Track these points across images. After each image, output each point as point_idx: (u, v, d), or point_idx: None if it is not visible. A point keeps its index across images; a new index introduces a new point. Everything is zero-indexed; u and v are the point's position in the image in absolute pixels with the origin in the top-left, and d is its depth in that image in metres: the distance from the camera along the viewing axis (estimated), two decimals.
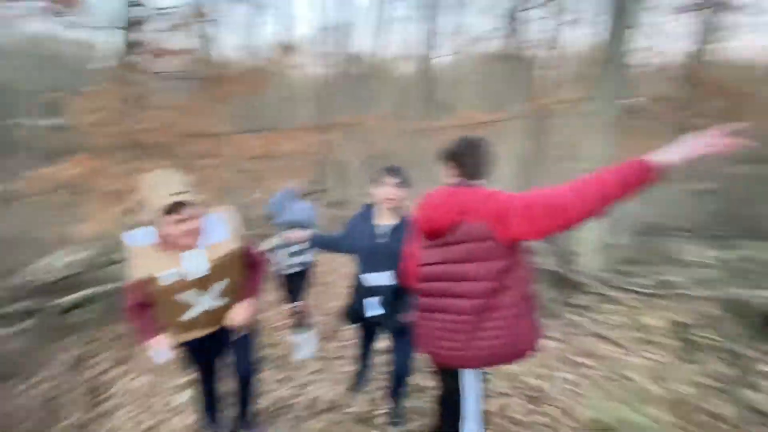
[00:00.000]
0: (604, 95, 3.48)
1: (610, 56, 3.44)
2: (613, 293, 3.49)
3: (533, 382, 2.46)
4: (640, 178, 1.09)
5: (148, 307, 1.64)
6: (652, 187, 1.13)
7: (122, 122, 3.48)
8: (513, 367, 2.65)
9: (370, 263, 1.97)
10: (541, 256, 4.11)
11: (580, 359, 2.67)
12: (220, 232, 1.65)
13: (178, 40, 4.75)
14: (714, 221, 6.56)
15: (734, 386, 2.09)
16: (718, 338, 2.61)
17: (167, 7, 4.39)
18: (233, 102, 5.40)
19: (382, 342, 2.35)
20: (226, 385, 2.06)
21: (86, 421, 2.56)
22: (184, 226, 1.52)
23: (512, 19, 9.64)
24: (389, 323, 2.00)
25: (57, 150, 4.16)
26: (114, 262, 4.88)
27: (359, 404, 2.53)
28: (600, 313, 3.24)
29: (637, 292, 3.47)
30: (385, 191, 1.90)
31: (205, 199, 1.69)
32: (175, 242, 1.56)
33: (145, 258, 1.56)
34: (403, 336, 1.98)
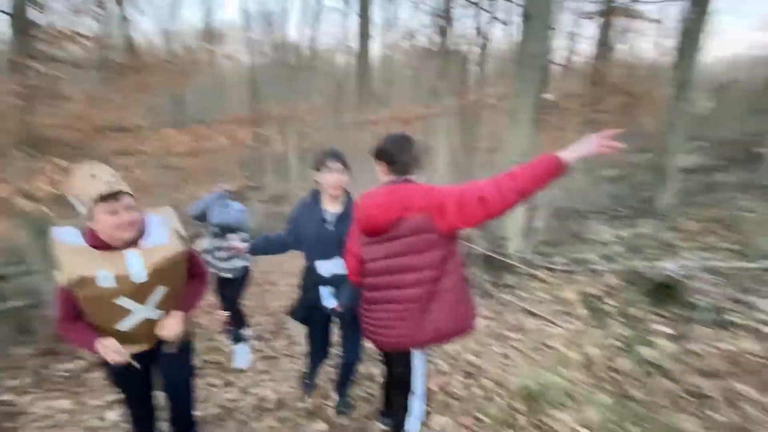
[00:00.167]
0: (524, 92, 3.80)
1: (529, 56, 3.76)
2: (536, 272, 3.87)
3: (470, 358, 2.67)
4: (550, 173, 1.27)
5: (82, 315, 1.46)
6: (560, 178, 1.32)
7: (20, 117, 3.05)
8: (452, 347, 2.85)
9: (321, 251, 1.93)
10: (475, 242, 4.40)
11: (510, 334, 2.95)
12: (159, 235, 1.52)
13: (85, 24, 4.27)
14: (616, 203, 7.48)
15: (633, 345, 2.46)
16: (620, 305, 3.04)
17: None
18: (155, 93, 4.96)
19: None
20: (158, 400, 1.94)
21: None
22: (121, 217, 1.39)
23: (443, 15, 9.98)
24: (344, 311, 1.96)
25: None
26: (20, 275, 4.31)
27: (307, 399, 2.56)
28: (526, 291, 3.58)
29: (555, 270, 3.88)
30: (333, 177, 1.86)
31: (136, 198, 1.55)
32: (111, 238, 1.42)
33: (79, 257, 1.39)
34: (353, 324, 2.01)
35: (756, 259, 3.26)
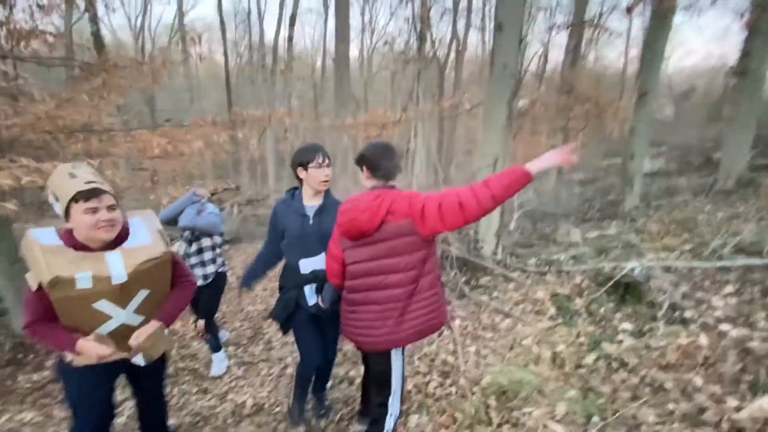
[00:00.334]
0: (496, 100, 3.94)
1: (500, 65, 3.90)
2: (509, 274, 3.99)
3: (447, 358, 2.74)
4: (519, 181, 1.41)
5: (55, 319, 1.38)
6: (527, 186, 1.46)
7: None
8: (429, 348, 2.92)
9: (302, 247, 1.91)
10: (453, 245, 4.50)
11: (484, 333, 3.04)
12: (141, 236, 1.48)
13: (53, 21, 4.12)
14: (586, 206, 7.79)
15: (598, 342, 2.59)
16: (587, 305, 3.18)
17: None
18: (125, 94, 4.83)
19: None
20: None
21: None
22: (100, 216, 1.34)
23: (420, 21, 10.13)
24: (328, 309, 1.93)
25: None
26: None
27: (284, 403, 2.56)
28: (499, 292, 3.70)
29: (528, 271, 4.02)
30: (323, 172, 1.87)
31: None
32: (89, 238, 1.37)
33: (56, 257, 1.32)
34: (331, 324, 2.02)
35: (709, 259, 3.48)
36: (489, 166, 4.15)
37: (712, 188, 6.80)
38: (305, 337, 2.06)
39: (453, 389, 2.38)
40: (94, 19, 10.01)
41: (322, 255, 1.87)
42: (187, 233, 2.86)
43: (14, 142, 3.54)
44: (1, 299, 3.98)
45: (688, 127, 16.59)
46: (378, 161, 1.62)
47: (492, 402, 2.13)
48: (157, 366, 1.70)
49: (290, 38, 15.28)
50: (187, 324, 3.87)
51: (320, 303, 1.93)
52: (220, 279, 2.99)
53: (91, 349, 1.38)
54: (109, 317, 1.41)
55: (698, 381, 2.00)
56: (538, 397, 2.12)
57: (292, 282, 1.98)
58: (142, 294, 1.46)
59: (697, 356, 2.19)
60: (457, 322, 3.25)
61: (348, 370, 2.84)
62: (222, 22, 16.67)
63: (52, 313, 1.37)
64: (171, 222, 2.85)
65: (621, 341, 2.56)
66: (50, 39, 4.01)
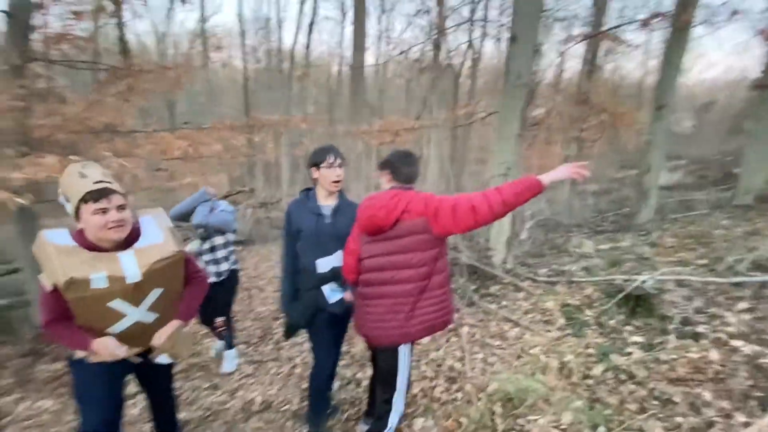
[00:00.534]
0: (510, 110, 3.97)
1: (514, 75, 3.93)
2: (519, 283, 3.99)
3: (454, 364, 2.76)
4: (531, 191, 1.49)
5: (70, 318, 1.40)
6: (538, 195, 1.52)
7: (17, 117, 3.07)
8: (437, 353, 2.94)
9: (319, 247, 1.93)
10: (463, 253, 4.52)
11: (492, 341, 3.05)
12: (153, 235, 1.48)
13: (82, 26, 4.32)
14: (600, 218, 7.71)
15: (607, 353, 2.58)
16: (597, 316, 3.16)
17: None
18: (151, 97, 5.01)
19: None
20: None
21: None
22: (110, 217, 1.34)
23: (435, 30, 10.24)
24: (347, 307, 1.96)
25: None
26: (2, 274, 4.27)
27: (293, 401, 2.61)
28: (509, 300, 3.69)
29: (538, 281, 4.01)
30: (334, 172, 1.90)
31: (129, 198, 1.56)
32: (99, 239, 1.37)
33: (69, 258, 1.32)
34: (344, 324, 2.07)
35: (724, 274, 3.43)
36: (501, 175, 4.16)
37: (730, 203, 6.66)
38: (321, 341, 2.05)
39: (459, 395, 2.39)
40: (120, 24, 10.40)
41: (339, 253, 1.92)
42: (200, 231, 2.90)
43: (44, 140, 3.71)
44: (24, 292, 4.14)
45: (708, 140, 16.29)
46: (400, 166, 1.74)
47: (497, 408, 2.15)
48: (163, 364, 1.69)
49: (308, 45, 15.58)
50: (198, 322, 3.97)
51: (347, 297, 1.96)
52: (233, 276, 3.04)
53: (105, 349, 1.41)
54: (123, 315, 1.44)
55: (707, 396, 1.98)
56: (544, 406, 2.13)
57: (309, 284, 1.97)
58: (156, 292, 1.47)
59: (707, 371, 2.16)
60: (466, 329, 3.26)
61: (355, 372, 2.88)
62: (242, 29, 17.10)
63: (68, 312, 1.39)
64: (182, 219, 2.90)
65: (630, 353, 2.54)
66: (82, 43, 4.21)
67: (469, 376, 2.57)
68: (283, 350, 3.50)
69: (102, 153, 4.02)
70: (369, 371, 2.65)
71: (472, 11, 12.44)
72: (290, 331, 2.06)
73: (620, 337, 2.83)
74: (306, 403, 2.38)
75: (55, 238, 1.36)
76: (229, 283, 3.03)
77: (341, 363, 2.98)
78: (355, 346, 3.24)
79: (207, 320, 3.13)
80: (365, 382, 2.63)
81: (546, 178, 1.50)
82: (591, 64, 8.87)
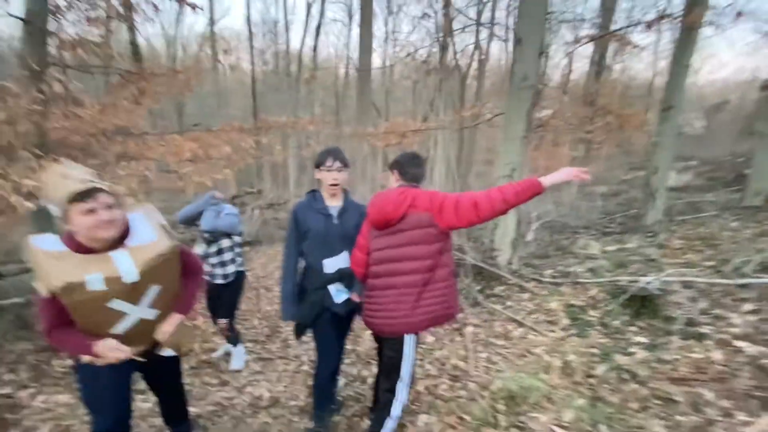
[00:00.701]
0: (515, 112, 4.00)
1: (520, 77, 3.96)
2: (524, 283, 4.01)
3: (458, 363, 2.80)
4: (531, 192, 1.58)
5: (71, 322, 1.38)
6: (537, 196, 1.60)
7: (35, 121, 3.18)
8: (441, 352, 2.98)
9: (326, 248, 1.96)
10: (468, 253, 4.55)
11: (496, 341, 3.08)
12: (145, 232, 1.44)
13: (96, 31, 4.44)
14: (607, 219, 7.67)
15: (610, 353, 2.60)
16: (601, 316, 3.18)
17: None
18: (161, 100, 5.12)
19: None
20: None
21: None
22: (99, 216, 1.30)
23: (443, 33, 10.28)
24: (352, 308, 2.01)
25: None
26: (19, 273, 4.40)
27: (299, 397, 2.67)
28: (513, 301, 3.72)
29: (543, 282, 4.03)
30: (330, 175, 1.93)
31: (122, 194, 1.55)
32: (90, 239, 1.33)
33: (62, 263, 1.29)
34: (349, 321, 2.12)
35: (731, 276, 3.42)
36: (506, 176, 4.19)
37: (740, 204, 6.59)
38: (326, 340, 2.09)
39: (462, 392, 2.43)
40: (131, 29, 10.61)
41: (345, 254, 1.97)
42: (207, 234, 2.93)
43: (60, 143, 3.83)
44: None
45: (720, 141, 16.07)
46: (407, 167, 1.85)
47: (500, 406, 2.18)
48: (170, 360, 1.69)
49: (315, 47, 15.72)
50: (209, 320, 4.05)
51: (354, 298, 2.01)
52: (239, 278, 3.08)
53: (109, 351, 1.38)
54: (123, 315, 1.42)
55: (709, 395, 1.99)
56: (546, 404, 2.15)
57: (315, 283, 2.00)
58: (154, 290, 1.45)
59: (709, 371, 2.17)
60: (470, 329, 3.30)
61: (360, 369, 2.93)
62: (250, 32, 17.32)
63: (68, 318, 1.36)
64: (189, 222, 2.95)
65: (633, 353, 2.55)
66: (96, 49, 4.33)
67: (473, 374, 2.61)
68: (290, 348, 3.56)
69: (114, 156, 4.14)
70: (374, 369, 2.70)
71: (479, 13, 12.48)
72: (300, 331, 2.11)
73: (624, 338, 2.84)
74: (311, 399, 2.43)
75: (43, 244, 1.32)
76: (236, 284, 3.07)
77: (347, 361, 3.04)
78: (360, 344, 3.29)
79: (215, 320, 3.20)
80: (370, 380, 2.68)
81: (547, 180, 1.58)
82: (599, 65, 8.84)
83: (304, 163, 15.09)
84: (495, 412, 2.15)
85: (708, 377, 2.14)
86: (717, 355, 2.29)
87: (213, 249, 2.96)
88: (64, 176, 1.31)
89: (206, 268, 2.98)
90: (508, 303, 3.71)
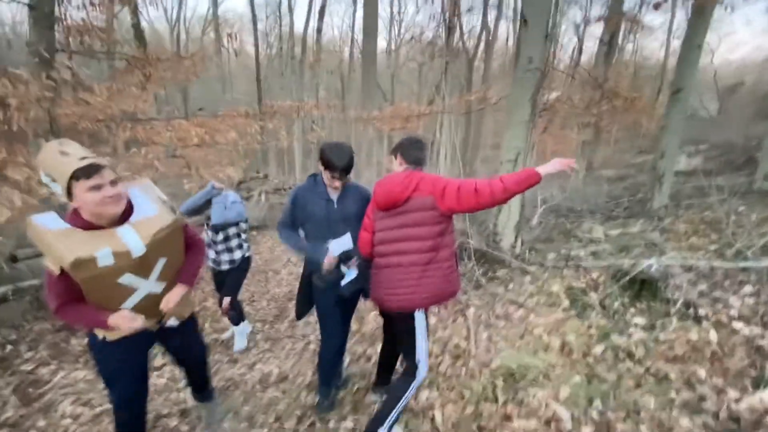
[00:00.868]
0: (521, 95, 3.97)
1: (526, 60, 3.92)
2: (527, 267, 4.06)
3: (459, 342, 2.88)
4: (529, 181, 1.66)
5: (80, 299, 1.40)
6: (536, 185, 1.68)
7: (46, 107, 3.24)
8: (444, 333, 3.06)
9: (329, 231, 2.00)
10: (472, 237, 4.60)
11: (497, 322, 3.15)
12: (147, 207, 1.46)
13: (101, 16, 4.46)
14: (613, 203, 7.64)
15: (608, 333, 2.66)
16: (602, 299, 3.23)
17: None
18: (167, 85, 5.16)
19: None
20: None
21: (21, 418, 2.51)
22: (105, 192, 1.31)
23: (448, 13, 10.07)
24: (358, 288, 2.07)
25: None
26: (34, 256, 4.54)
27: (307, 374, 2.78)
28: (515, 284, 3.78)
29: (545, 266, 4.07)
30: (332, 182, 1.96)
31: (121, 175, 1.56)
32: (97, 216, 1.34)
33: (70, 240, 1.29)
34: (352, 302, 2.19)
35: (732, 259, 3.44)
36: (511, 160, 4.20)
37: (749, 188, 6.53)
38: (331, 321, 2.15)
39: (463, 370, 2.52)
40: (134, 12, 10.53)
41: (347, 236, 2.03)
42: (216, 225, 2.97)
43: (70, 129, 3.90)
44: None
45: (734, 124, 15.70)
46: (409, 150, 1.92)
47: (499, 383, 2.27)
48: (187, 324, 1.77)
49: (319, 30, 15.49)
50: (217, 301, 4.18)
51: (352, 265, 2.06)
52: (245, 262, 3.16)
53: (123, 322, 1.41)
54: (134, 289, 1.45)
55: (702, 373, 2.06)
56: (544, 381, 2.24)
57: (318, 266, 2.02)
58: (161, 262, 1.49)
59: (705, 351, 2.23)
60: (472, 310, 3.37)
61: (366, 348, 3.03)
62: (253, 14, 17.09)
63: (78, 295, 1.38)
64: (193, 214, 2.97)
65: (631, 334, 2.62)
66: (101, 34, 4.35)
67: (474, 353, 2.69)
68: (297, 328, 3.68)
69: (122, 141, 4.21)
70: (378, 348, 2.79)
71: None
72: (301, 312, 2.21)
73: (623, 319, 2.90)
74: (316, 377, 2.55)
75: (47, 223, 1.32)
76: (241, 267, 3.14)
77: (352, 340, 3.14)
78: (365, 324, 3.39)
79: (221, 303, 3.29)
80: (375, 357, 2.78)
81: (542, 169, 1.68)
82: (609, 46, 8.65)
83: (309, 147, 15.09)
84: (494, 388, 2.24)
85: (703, 357, 2.20)
86: (713, 335, 2.34)
87: (220, 237, 3.01)
88: (63, 153, 1.30)
89: (212, 254, 3.07)
90: (510, 286, 3.77)
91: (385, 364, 2.30)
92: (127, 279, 1.41)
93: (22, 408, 2.59)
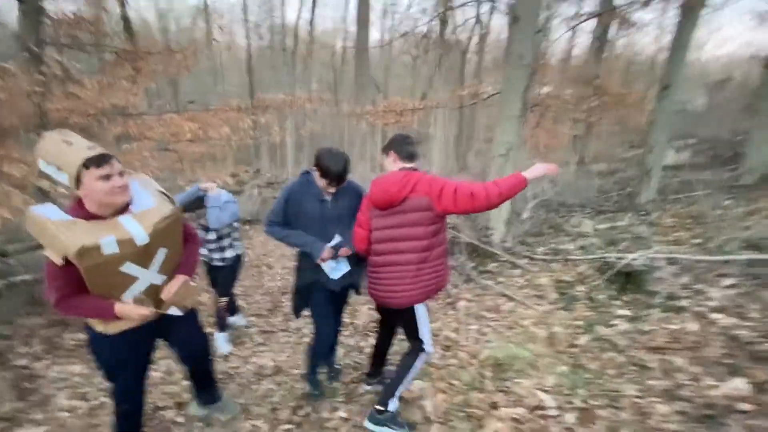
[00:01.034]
0: (511, 91, 4.02)
1: (516, 56, 3.96)
2: (516, 260, 4.14)
3: (450, 334, 2.95)
4: (520, 186, 1.75)
5: (81, 290, 1.39)
6: (523, 189, 1.78)
7: (36, 101, 3.22)
8: (434, 324, 3.13)
9: (322, 229, 2.02)
10: (463, 231, 4.67)
11: (486, 314, 3.23)
12: (146, 199, 1.48)
13: (89, 9, 4.40)
14: (603, 198, 7.76)
15: (593, 325, 2.75)
16: (588, 291, 3.32)
17: None
18: (157, 79, 5.11)
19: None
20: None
21: (18, 412, 2.53)
22: (114, 182, 1.32)
23: (443, 6, 10.05)
24: (349, 283, 2.14)
25: None
26: (26, 251, 4.52)
27: (301, 366, 2.83)
28: (505, 277, 3.86)
29: (535, 259, 4.16)
30: (326, 188, 1.98)
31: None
32: (102, 206, 1.35)
33: (74, 229, 1.29)
34: (343, 297, 2.24)
35: (714, 253, 3.54)
36: (502, 155, 4.26)
37: (736, 182, 6.67)
38: (323, 316, 2.20)
39: (453, 361, 2.59)
40: (122, 2, 10.33)
41: (338, 234, 2.06)
42: (213, 227, 2.93)
43: (60, 124, 3.87)
44: None
45: (721, 119, 15.89)
46: (401, 146, 1.94)
47: (487, 372, 2.34)
48: (189, 315, 1.75)
49: (311, 21, 15.36)
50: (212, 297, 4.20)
51: (344, 252, 2.07)
52: (236, 260, 3.15)
53: (131, 312, 1.41)
54: (135, 279, 1.45)
55: (681, 362, 2.15)
56: (531, 370, 2.32)
57: (310, 263, 2.07)
58: (162, 252, 1.50)
59: (684, 341, 2.33)
60: (462, 303, 3.45)
61: (359, 341, 3.09)
62: (244, 4, 16.84)
63: (80, 286, 1.37)
64: (186, 210, 2.88)
65: (615, 325, 2.71)
66: (90, 26, 4.30)
67: (463, 344, 2.77)
68: (291, 321, 3.73)
69: (113, 135, 4.19)
70: (371, 340, 2.85)
71: None
72: (298, 309, 2.26)
73: (608, 311, 2.99)
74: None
75: (48, 214, 1.32)
76: (232, 266, 3.13)
77: (346, 333, 3.20)
78: (358, 318, 3.45)
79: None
80: (368, 350, 2.84)
81: (528, 174, 1.77)
82: (600, 41, 8.71)
83: (301, 141, 15.03)
84: (482, 378, 2.32)
85: (683, 346, 2.29)
86: (693, 326, 2.44)
87: (212, 236, 3.00)
88: (69, 143, 1.30)
89: (204, 251, 3.04)
90: (500, 279, 3.85)
91: (379, 356, 2.36)
92: (129, 268, 1.41)
93: (18, 402, 2.61)
